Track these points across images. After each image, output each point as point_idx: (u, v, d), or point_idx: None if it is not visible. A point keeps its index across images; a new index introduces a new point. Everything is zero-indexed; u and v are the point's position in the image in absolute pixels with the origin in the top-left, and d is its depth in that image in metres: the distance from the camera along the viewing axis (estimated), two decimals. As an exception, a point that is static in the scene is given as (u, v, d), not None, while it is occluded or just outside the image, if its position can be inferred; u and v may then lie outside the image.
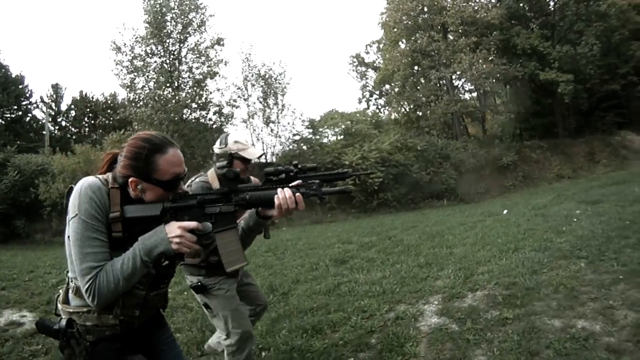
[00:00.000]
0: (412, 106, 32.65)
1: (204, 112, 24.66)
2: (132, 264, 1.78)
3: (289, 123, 26.18)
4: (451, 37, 29.03)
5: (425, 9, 29.73)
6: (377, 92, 37.05)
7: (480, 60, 27.21)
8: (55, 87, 42.73)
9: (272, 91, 25.51)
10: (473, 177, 25.10)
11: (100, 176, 1.95)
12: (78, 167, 17.94)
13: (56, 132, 40.84)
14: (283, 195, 1.99)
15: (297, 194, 2.02)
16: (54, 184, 17.39)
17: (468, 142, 28.31)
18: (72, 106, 42.59)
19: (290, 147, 24.52)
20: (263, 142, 25.16)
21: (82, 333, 1.89)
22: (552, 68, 27.05)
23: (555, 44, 28.29)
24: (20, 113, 38.29)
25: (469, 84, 30.88)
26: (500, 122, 32.43)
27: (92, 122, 42.05)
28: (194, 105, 23.92)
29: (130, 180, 1.88)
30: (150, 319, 2.20)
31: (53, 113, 41.46)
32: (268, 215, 2.25)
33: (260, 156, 3.40)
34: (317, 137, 24.86)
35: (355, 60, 38.96)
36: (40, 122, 37.44)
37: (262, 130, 25.77)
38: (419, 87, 31.27)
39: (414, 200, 22.63)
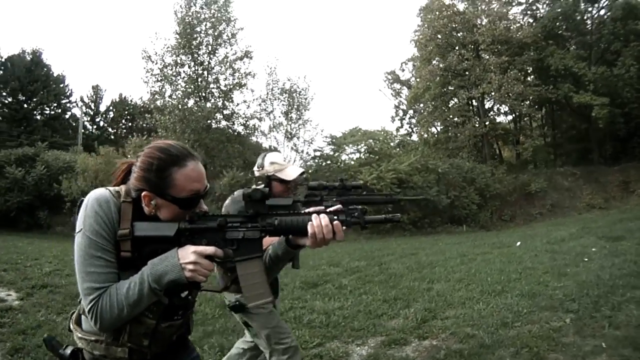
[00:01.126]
0: (442, 127, 31.84)
1: (229, 123, 24.67)
2: (139, 290, 1.56)
3: (311, 138, 25.95)
4: (484, 56, 27.92)
5: (458, 27, 28.77)
6: (410, 111, 36.37)
7: (511, 81, 25.96)
8: (96, 88, 45.23)
9: (295, 106, 25.23)
10: (498, 204, 23.95)
11: (112, 188, 1.74)
12: (100, 167, 18.77)
13: (94, 131, 42.76)
14: (318, 222, 1.70)
15: (336, 221, 1.73)
16: (76, 181, 18.29)
17: (496, 166, 26.94)
18: (111, 107, 44.94)
19: (310, 162, 24.00)
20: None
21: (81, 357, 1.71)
22: (587, 90, 25.51)
23: (592, 65, 26.79)
24: (59, 111, 40.54)
25: (504, 106, 29.94)
26: (534, 146, 30.94)
27: (130, 124, 43.69)
28: (219, 115, 23.95)
29: (143, 194, 1.66)
30: (170, 346, 1.91)
31: (92, 113, 43.82)
32: (300, 244, 1.85)
33: (301, 174, 3.24)
34: (337, 154, 24.24)
35: (390, 77, 38.04)
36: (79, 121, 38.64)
37: (283, 145, 25.50)
38: (449, 107, 30.54)
39: (431, 224, 21.33)
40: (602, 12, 28.50)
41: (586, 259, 9.37)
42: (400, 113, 37.54)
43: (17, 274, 8.45)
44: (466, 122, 28.82)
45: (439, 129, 32.80)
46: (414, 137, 34.76)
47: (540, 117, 35.05)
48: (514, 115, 32.90)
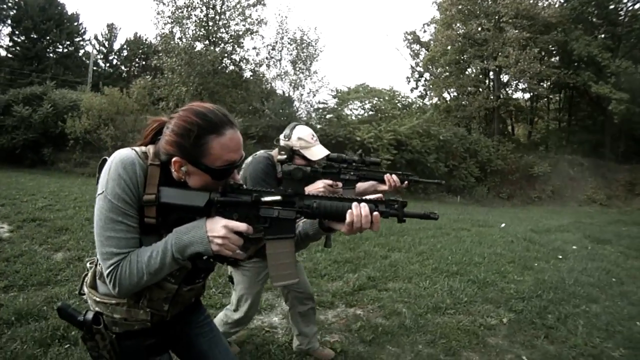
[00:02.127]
0: (455, 93, 31.25)
1: (236, 69, 24.08)
2: (161, 259, 1.52)
3: (316, 90, 26.13)
4: (506, 29, 26.78)
5: (484, -5, 27.61)
6: (427, 74, 35.40)
7: (529, 58, 25.13)
8: (111, 27, 45.62)
9: (303, 57, 24.68)
10: (498, 180, 23.54)
11: (138, 149, 1.64)
12: (104, 107, 18.90)
13: (106, 69, 43.55)
14: (358, 212, 1.66)
15: (375, 213, 1.68)
16: (80, 120, 18.34)
17: (502, 142, 26.24)
18: (125, 46, 45.65)
19: (312, 113, 23.68)
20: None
21: (108, 326, 1.67)
22: (608, 83, 24.68)
23: (617, 58, 25.77)
24: (72, 49, 41.00)
25: (522, 83, 28.96)
26: (547, 129, 30.24)
27: (144, 62, 43.88)
28: (227, 61, 23.47)
29: (174, 159, 1.56)
30: (187, 307, 1.94)
31: (105, 51, 44.35)
32: (334, 228, 1.80)
33: (325, 157, 3.14)
34: (341, 108, 23.55)
35: (410, 37, 36.87)
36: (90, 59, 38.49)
37: (289, 94, 25.09)
38: (464, 75, 29.88)
39: (425, 190, 20.82)
40: (638, 5, 27.52)
41: (560, 257, 8.92)
42: (416, 75, 36.65)
43: (12, 209, 8.67)
44: (478, 92, 28.38)
45: (452, 95, 32.28)
46: (427, 100, 34.35)
47: (558, 101, 34.53)
48: (531, 94, 32.27)
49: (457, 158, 21.99)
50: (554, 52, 28.71)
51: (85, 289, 1.78)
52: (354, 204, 1.66)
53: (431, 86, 33.25)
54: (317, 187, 3.00)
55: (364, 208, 1.66)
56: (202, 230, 1.52)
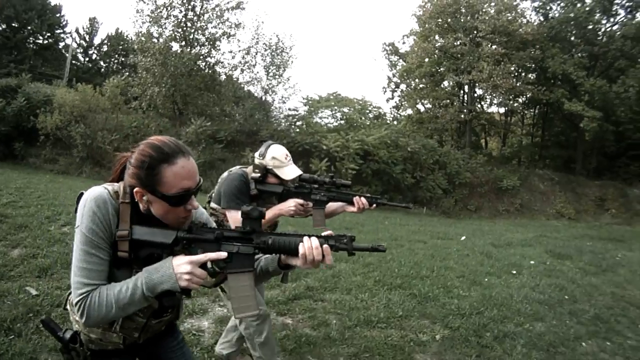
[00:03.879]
0: (430, 105, 31.41)
1: (211, 72, 23.95)
2: (131, 295, 1.62)
3: (287, 96, 25.98)
4: (483, 43, 26.87)
5: (463, 10, 27.81)
6: (403, 86, 35.36)
7: (502, 74, 25.27)
8: (92, 21, 45.25)
9: (277, 62, 24.60)
10: (466, 193, 23.26)
11: (109, 186, 1.76)
12: (76, 103, 18.79)
13: (85, 63, 42.98)
14: (309, 245, 1.76)
15: (325, 245, 1.79)
16: (52, 115, 18.17)
17: (472, 155, 26.24)
18: (106, 41, 45.07)
19: (284, 121, 23.26)
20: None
21: (84, 343, 1.84)
22: (581, 100, 24.78)
23: (592, 77, 25.96)
24: (51, 40, 40.29)
25: (496, 97, 29.26)
26: (520, 144, 30.43)
27: (122, 59, 43.20)
28: (202, 63, 23.33)
29: (135, 190, 1.69)
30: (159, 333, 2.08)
31: (85, 45, 43.84)
32: (291, 264, 1.88)
33: (297, 177, 3.21)
34: (311, 116, 23.38)
35: (389, 48, 36.84)
36: (72, 52, 38.23)
37: (261, 99, 24.92)
38: (439, 88, 30.06)
39: (390, 200, 20.06)
40: (616, 27, 27.86)
41: (514, 272, 8.68)
42: (392, 86, 36.51)
43: None
44: (450, 105, 28.54)
45: (426, 107, 32.42)
46: (401, 111, 34.95)
47: (532, 116, 34.74)
48: (505, 109, 32.46)
49: (425, 170, 21.76)
50: (531, 68, 28.77)
51: (69, 307, 1.90)
52: (305, 237, 1.76)
53: (406, 97, 33.34)
54: (289, 205, 3.17)
55: (315, 241, 1.74)
56: (170, 270, 1.60)
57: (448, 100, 29.10)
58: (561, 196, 24.97)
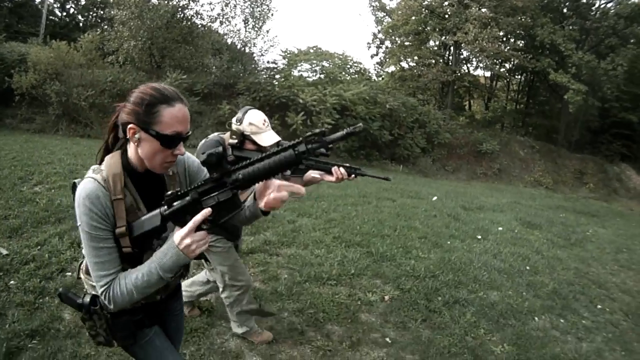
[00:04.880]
0: (414, 64, 30.91)
1: (188, 24, 22.95)
2: (148, 280, 1.69)
3: (266, 49, 26.14)
4: (470, 5, 26.34)
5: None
6: (388, 42, 34.94)
7: (487, 37, 24.81)
8: None
9: (257, 13, 23.84)
10: (444, 153, 23.25)
11: (100, 178, 1.75)
12: (51, 61, 18.10)
13: (63, 18, 40.85)
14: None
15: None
16: (27, 74, 17.50)
17: (452, 116, 26.26)
18: None
19: (262, 72, 22.58)
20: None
21: (104, 307, 1.84)
22: (568, 72, 24.65)
23: (581, 50, 25.93)
24: None
25: (484, 61, 28.77)
26: (505, 109, 30.34)
27: (102, 12, 40.76)
28: (180, 15, 22.37)
29: (129, 126, 1.73)
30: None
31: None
32: (267, 210, 1.86)
33: (276, 143, 3.20)
34: (289, 69, 22.79)
35: (375, 4, 35.96)
36: (48, 8, 36.09)
37: (239, 51, 24.15)
38: (423, 47, 29.73)
39: (367, 156, 20.53)
40: (610, 4, 27.59)
41: (479, 237, 8.58)
42: (377, 42, 36.10)
43: None
44: (434, 65, 28.16)
45: (410, 65, 32.02)
46: (385, 68, 34.50)
47: (518, 83, 34.62)
48: (490, 73, 32.29)
49: (403, 128, 21.60)
50: (520, 35, 28.38)
51: (82, 275, 1.96)
52: (272, 157, 1.61)
53: (390, 54, 32.95)
54: None
55: (284, 155, 1.59)
56: (174, 248, 1.63)
57: (433, 60, 28.78)
58: (540, 165, 25.02)
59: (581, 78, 24.82)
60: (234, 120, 3.25)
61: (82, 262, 1.98)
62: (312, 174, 3.37)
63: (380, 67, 34.45)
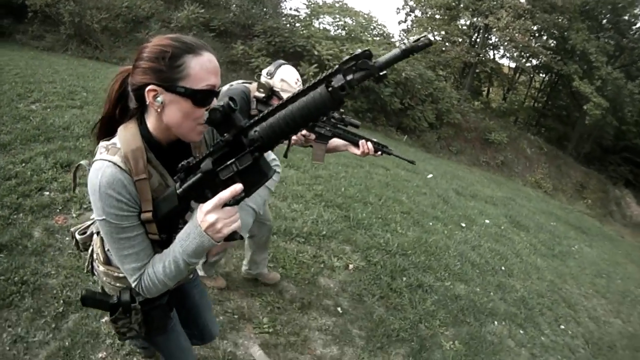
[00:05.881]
0: (440, 38, 30.18)
1: None
2: (175, 268, 1.51)
3: None
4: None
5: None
6: (418, 11, 34.16)
7: (518, 29, 24.29)
8: None
9: None
10: (452, 133, 23.02)
11: (118, 160, 1.46)
12: None
13: None
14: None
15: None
16: None
17: (467, 98, 25.95)
18: None
19: (283, 19, 22.05)
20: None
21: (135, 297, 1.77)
22: (592, 84, 24.29)
23: (612, 66, 25.47)
24: None
25: (509, 51, 28.36)
26: (522, 104, 30.00)
27: None
28: None
29: (148, 88, 1.41)
30: None
31: None
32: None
33: None
34: (310, 19, 22.55)
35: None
36: None
37: None
38: (452, 24, 29.20)
39: (374, 120, 20.43)
40: None
41: (463, 225, 8.46)
42: (407, 8, 34.98)
43: None
44: (459, 43, 27.75)
45: (436, 38, 31.05)
46: (410, 37, 33.12)
47: (541, 81, 34.31)
48: (515, 65, 31.61)
49: (415, 99, 21.38)
50: (553, 35, 27.81)
51: (100, 267, 1.79)
52: (296, 101, 1.22)
53: (417, 23, 32.46)
54: None
55: (313, 96, 1.19)
56: (197, 228, 1.42)
57: (460, 39, 28.22)
58: (544, 168, 24.87)
59: (605, 93, 24.41)
60: (264, 72, 3.07)
61: (91, 252, 1.85)
62: (337, 142, 3.22)
63: (405, 35, 33.69)
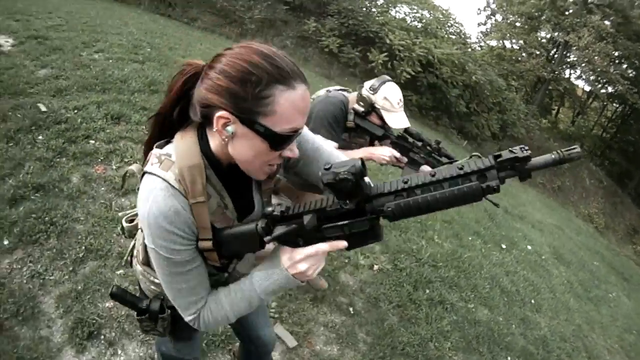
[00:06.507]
0: (517, 47, 29.96)
1: None
2: (247, 304, 1.41)
3: None
4: (593, 11, 25.16)
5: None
6: (499, 15, 33.62)
7: (597, 51, 23.67)
8: None
9: None
10: (511, 145, 22.00)
11: (169, 177, 1.24)
12: None
13: None
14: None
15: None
16: None
17: (535, 114, 25.29)
18: None
19: (359, 2, 21.52)
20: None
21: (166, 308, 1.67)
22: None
23: None
24: None
25: (585, 74, 27.51)
26: (590, 132, 29.24)
27: None
28: None
29: (218, 114, 1.18)
30: None
31: None
32: None
33: (404, 130, 3.07)
34: (387, 7, 22.34)
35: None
36: None
37: None
38: (531, 34, 28.66)
39: (436, 119, 20.19)
40: None
41: (504, 246, 8.16)
42: (489, 11, 34.46)
43: (22, 24, 8.50)
44: (536, 56, 27.30)
45: (513, 46, 31.02)
46: (489, 41, 33.23)
47: (613, 111, 33.50)
48: (590, 89, 30.79)
49: (482, 105, 21.01)
50: (634, 64, 26.81)
51: (138, 267, 1.67)
52: (443, 187, 1.13)
53: (497, 27, 31.83)
54: (384, 153, 2.96)
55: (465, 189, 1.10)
56: (284, 273, 1.33)
57: (537, 52, 27.82)
58: (600, 203, 24.15)
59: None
60: (366, 85, 2.97)
61: (135, 246, 1.71)
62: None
63: (483, 37, 33.40)
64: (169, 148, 1.31)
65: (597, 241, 18.87)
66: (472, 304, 5.27)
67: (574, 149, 1.08)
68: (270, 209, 1.30)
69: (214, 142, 1.31)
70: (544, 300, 6.99)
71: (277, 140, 1.21)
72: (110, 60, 7.48)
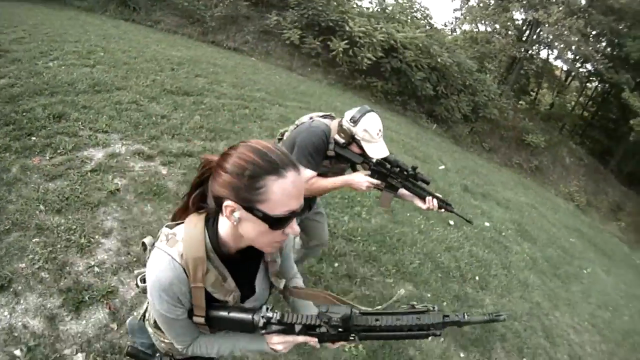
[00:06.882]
0: (489, 29, 29.72)
1: None
2: (230, 353, 1.73)
3: None
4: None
5: None
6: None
7: (569, 27, 23.33)
8: None
9: None
10: (487, 128, 22.56)
11: (175, 254, 1.46)
12: None
13: None
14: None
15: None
16: None
17: (508, 95, 25.04)
18: None
19: None
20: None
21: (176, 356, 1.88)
22: (645, 101, 23.10)
23: None
24: None
25: (560, 52, 27.05)
26: (570, 111, 29.62)
27: None
28: None
29: (225, 204, 1.41)
30: None
31: None
32: None
33: (382, 158, 3.17)
34: None
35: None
36: None
37: None
38: (503, 15, 28.11)
39: (402, 103, 19.96)
40: None
41: (451, 223, 7.75)
42: None
43: None
44: (504, 35, 27.04)
45: (486, 28, 30.82)
46: (462, 25, 33.25)
47: (593, 90, 33.38)
48: (567, 68, 30.75)
49: (450, 88, 20.76)
50: (612, 41, 26.58)
51: (150, 329, 1.84)
52: (400, 325, 1.51)
53: (470, 11, 31.38)
54: (361, 182, 3.08)
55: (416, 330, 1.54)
56: (264, 345, 1.65)
57: (509, 32, 27.45)
58: (582, 181, 24.02)
59: (658, 111, 23.29)
60: (347, 116, 3.07)
61: (147, 305, 1.87)
62: (404, 192, 3.30)
63: (458, 22, 33.22)
64: (177, 229, 1.52)
65: (578, 219, 18.68)
66: (391, 279, 4.84)
67: (500, 315, 1.46)
68: (269, 314, 1.57)
69: (224, 229, 1.49)
70: (493, 278, 6.56)
71: (275, 222, 1.38)
72: (63, 67, 7.84)
